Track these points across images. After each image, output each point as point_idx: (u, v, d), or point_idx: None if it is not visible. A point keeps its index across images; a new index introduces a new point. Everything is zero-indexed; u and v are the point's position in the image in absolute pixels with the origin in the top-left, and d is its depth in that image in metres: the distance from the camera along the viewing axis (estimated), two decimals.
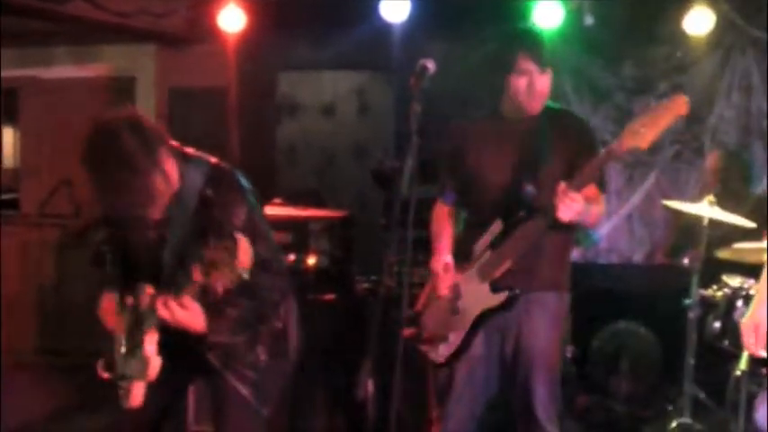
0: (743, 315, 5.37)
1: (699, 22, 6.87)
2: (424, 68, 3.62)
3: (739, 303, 5.52)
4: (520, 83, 4.05)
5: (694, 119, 7.04)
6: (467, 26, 7.02)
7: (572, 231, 4.26)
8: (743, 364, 5.21)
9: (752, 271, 5.43)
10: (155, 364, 3.67)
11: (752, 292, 5.42)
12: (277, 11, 7.50)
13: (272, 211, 5.91)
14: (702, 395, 5.87)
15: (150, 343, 3.66)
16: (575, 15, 7.02)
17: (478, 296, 4.15)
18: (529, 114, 4.14)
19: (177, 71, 8.26)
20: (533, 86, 4.05)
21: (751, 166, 6.87)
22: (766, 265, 3.94)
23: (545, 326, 4.19)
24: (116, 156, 3.33)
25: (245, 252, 3.31)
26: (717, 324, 5.63)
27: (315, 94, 8.28)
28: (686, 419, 5.65)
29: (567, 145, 4.12)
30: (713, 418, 5.80)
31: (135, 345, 3.72)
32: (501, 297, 4.10)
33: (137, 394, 3.71)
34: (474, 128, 4.32)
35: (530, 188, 4.05)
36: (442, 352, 4.28)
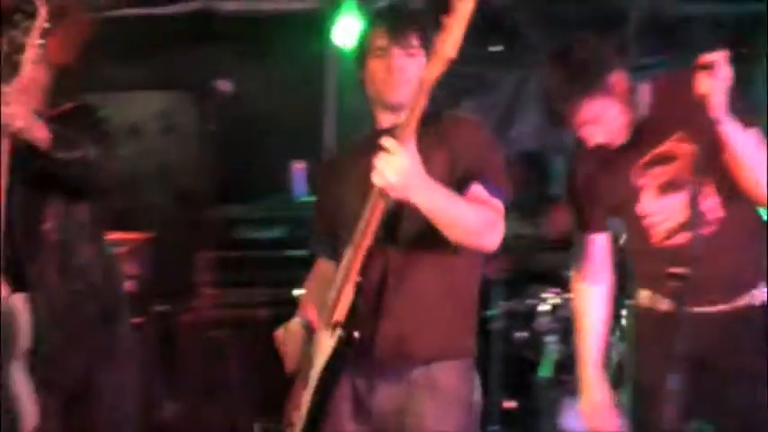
0: (545, 325, 5.57)
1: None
2: (216, 90, 3.59)
3: (540, 310, 5.66)
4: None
5: (498, 131, 7.25)
6: (269, 47, 7.02)
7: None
8: (545, 370, 5.40)
9: (555, 281, 5.61)
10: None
11: (552, 301, 5.59)
12: (81, 31, 7.35)
13: None
14: (510, 403, 6.01)
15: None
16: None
17: None
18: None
19: None
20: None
21: (550, 175, 7.09)
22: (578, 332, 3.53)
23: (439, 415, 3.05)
24: None
25: None
26: (519, 334, 5.79)
27: (119, 115, 8.11)
28: (495, 427, 5.80)
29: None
30: (522, 425, 5.94)
31: None
32: None
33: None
34: (341, 161, 3.33)
35: None
36: None
